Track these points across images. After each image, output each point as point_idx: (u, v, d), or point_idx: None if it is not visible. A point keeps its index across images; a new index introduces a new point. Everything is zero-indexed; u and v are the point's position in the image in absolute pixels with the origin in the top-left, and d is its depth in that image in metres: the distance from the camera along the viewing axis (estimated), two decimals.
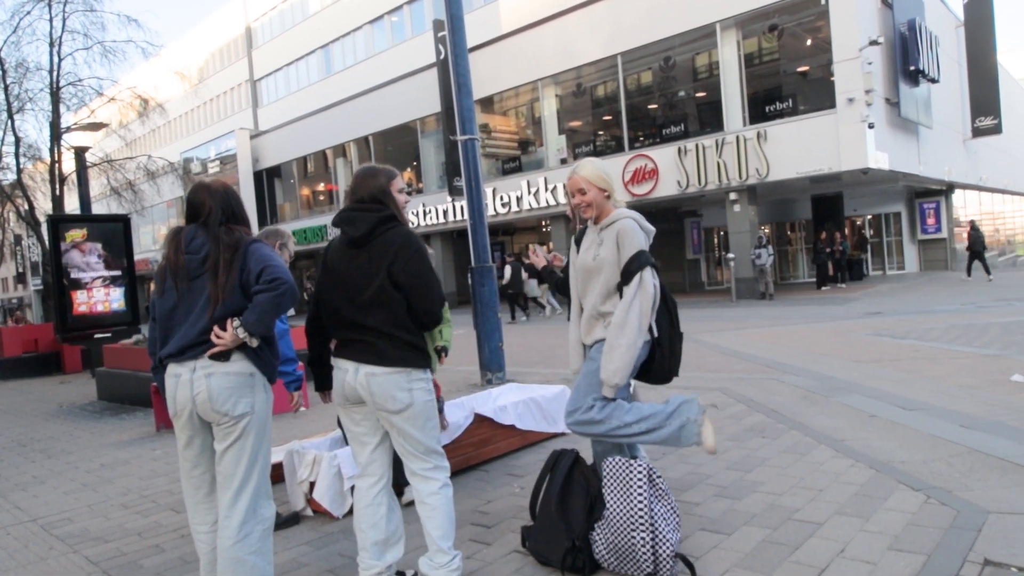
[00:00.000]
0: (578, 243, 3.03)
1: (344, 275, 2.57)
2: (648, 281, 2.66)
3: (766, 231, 21.17)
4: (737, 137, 17.36)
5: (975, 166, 25.03)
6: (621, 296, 2.71)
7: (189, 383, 2.39)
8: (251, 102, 39.79)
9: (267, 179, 33.28)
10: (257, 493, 2.45)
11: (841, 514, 3.14)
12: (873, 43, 15.71)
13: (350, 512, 3.64)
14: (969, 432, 4.21)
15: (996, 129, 23.51)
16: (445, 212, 24.10)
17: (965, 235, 20.19)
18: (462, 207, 21.16)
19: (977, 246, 18.44)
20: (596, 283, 2.79)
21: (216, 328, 2.37)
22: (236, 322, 2.36)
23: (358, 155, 28.79)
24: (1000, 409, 4.72)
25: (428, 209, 24.70)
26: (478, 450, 4.36)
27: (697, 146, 18.10)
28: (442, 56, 21.54)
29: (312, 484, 3.67)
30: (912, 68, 17.67)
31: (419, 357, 2.57)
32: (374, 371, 2.50)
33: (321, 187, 31.83)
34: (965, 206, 26.38)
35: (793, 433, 4.52)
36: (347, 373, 2.54)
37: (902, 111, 17.58)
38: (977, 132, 23.80)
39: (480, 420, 4.40)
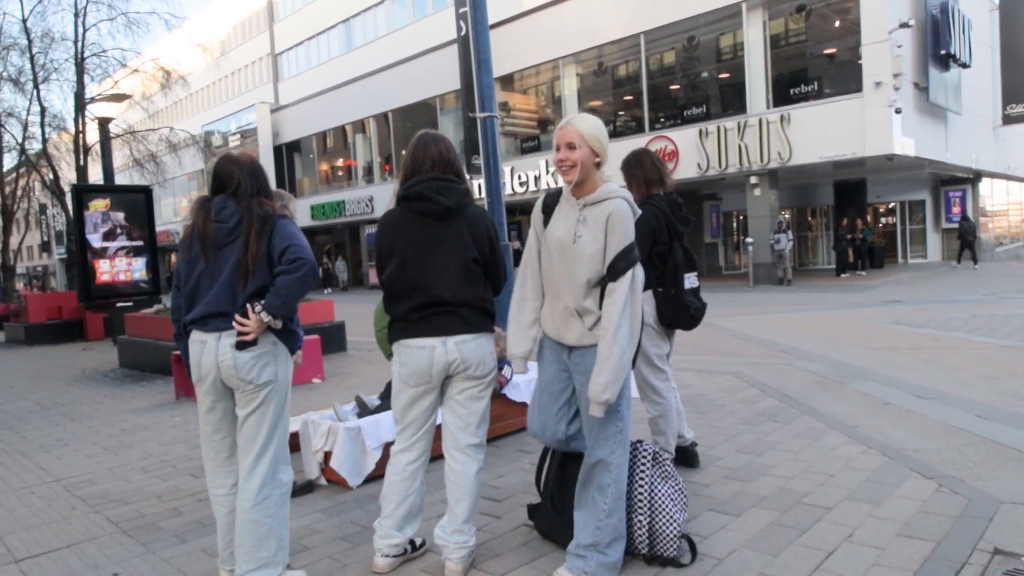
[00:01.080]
0: (547, 212, 2.56)
1: (429, 250, 2.51)
2: (640, 280, 2.36)
3: (786, 216, 20.94)
4: (760, 120, 17.11)
5: (1004, 154, 24.51)
6: (603, 291, 2.36)
7: (215, 349, 2.41)
8: (272, 76, 39.79)
9: (287, 153, 33.39)
10: (276, 458, 2.50)
11: (851, 499, 3.14)
12: (904, 25, 15.35)
13: (365, 483, 3.71)
14: (985, 422, 4.18)
15: None
16: (471, 199, 23.96)
17: (957, 225, 20.49)
18: (480, 185, 21.06)
19: (968, 236, 19.19)
20: (576, 270, 2.37)
21: (238, 317, 2.38)
22: (258, 307, 2.37)
23: (377, 131, 28.79)
24: (1018, 400, 4.67)
25: None
26: (490, 426, 4.39)
27: (719, 128, 17.88)
28: (463, 32, 21.32)
29: (327, 454, 3.74)
30: (943, 52, 17.26)
31: (492, 323, 2.65)
32: (464, 339, 2.53)
33: (340, 162, 31.89)
34: (992, 195, 25.86)
35: (805, 418, 4.51)
36: (433, 351, 2.50)
37: (931, 96, 17.21)
38: (1008, 119, 23.26)
39: (493, 396, 4.43)
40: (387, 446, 3.76)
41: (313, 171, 32.86)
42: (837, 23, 17.58)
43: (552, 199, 2.54)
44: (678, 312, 3.34)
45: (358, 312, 13.02)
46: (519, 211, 27.38)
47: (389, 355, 4.56)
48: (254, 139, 32.85)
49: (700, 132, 18.19)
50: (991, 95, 23.03)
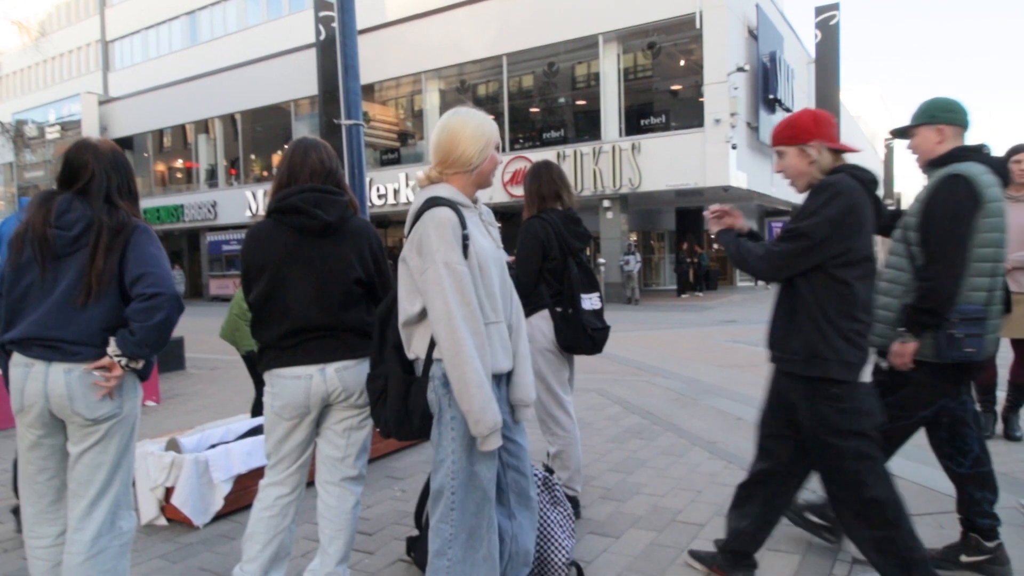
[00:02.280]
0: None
1: (305, 270, 2.23)
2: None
3: (634, 239, 22.14)
4: (613, 147, 17.99)
5: None
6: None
7: (43, 376, 2.00)
8: (101, 65, 36.17)
9: None
10: (117, 503, 2.12)
11: (720, 515, 3.22)
12: (740, 70, 16.84)
13: (213, 521, 3.30)
14: None
15: None
16: (356, 212, 23.04)
17: None
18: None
19: None
20: (509, 282, 2.27)
21: (96, 371, 2.00)
22: (115, 349, 2.00)
23: (223, 133, 26.98)
24: None
25: None
26: None
27: (575, 152, 18.58)
28: (322, 37, 20.66)
29: (169, 490, 3.29)
30: (771, 96, 19.14)
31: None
32: (346, 365, 2.28)
33: (179, 164, 29.50)
34: None
35: (669, 435, 4.66)
36: (310, 380, 2.23)
37: (760, 135, 19.00)
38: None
39: None
40: (239, 479, 3.38)
41: (147, 171, 30.11)
42: (683, 62, 18.96)
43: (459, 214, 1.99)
44: (576, 335, 3.09)
45: (198, 326, 11.97)
46: (376, 224, 26.80)
47: (245, 349, 4.08)
48: (77, 132, 29.55)
49: (558, 155, 18.78)
50: None
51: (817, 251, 2.17)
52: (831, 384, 2.21)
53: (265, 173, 26.67)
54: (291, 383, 2.24)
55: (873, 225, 2.27)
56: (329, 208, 2.23)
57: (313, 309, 2.23)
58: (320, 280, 2.23)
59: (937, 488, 3.52)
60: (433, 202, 1.95)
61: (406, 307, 1.98)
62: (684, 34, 17.90)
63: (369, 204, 21.33)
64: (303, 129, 24.53)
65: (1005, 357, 4.33)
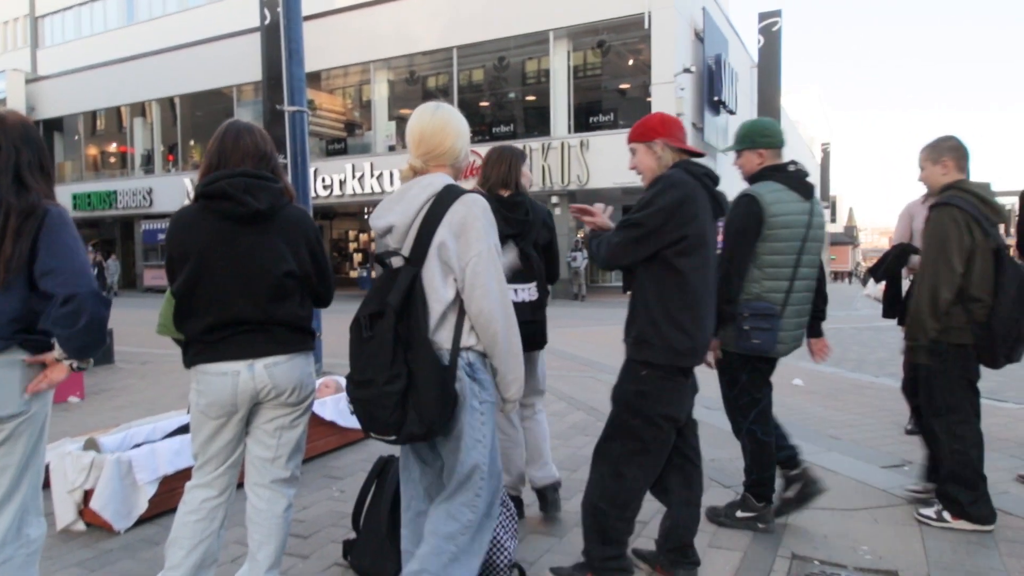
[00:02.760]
0: None
1: (231, 259, 2.09)
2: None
3: (581, 236, 22.30)
4: (562, 143, 18.05)
5: None
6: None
7: None
8: (29, 41, 34.27)
9: (45, 132, 28.84)
10: (24, 509, 1.96)
11: (662, 513, 3.23)
12: (686, 71, 17.11)
13: (135, 525, 3.12)
14: None
15: None
16: (291, 199, 22.42)
17: None
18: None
19: None
20: None
21: (37, 375, 1.91)
22: (60, 352, 1.92)
23: (161, 117, 25.95)
24: (787, 411, 5.23)
25: None
26: None
27: (525, 147, 18.54)
28: (267, 21, 20.03)
29: (88, 493, 3.09)
30: (716, 99, 19.52)
31: (311, 339, 2.28)
32: (276, 360, 2.14)
33: (113, 147, 28.25)
34: None
35: None
36: (237, 376, 2.09)
37: (705, 136, 19.36)
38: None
39: None
40: (165, 480, 3.20)
41: (78, 155, 28.73)
42: (631, 62, 19.16)
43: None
44: None
45: (131, 318, 11.48)
46: (320, 215, 26.25)
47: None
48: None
49: None
50: None
51: (652, 239, 2.29)
52: (644, 366, 2.35)
53: None
54: (217, 380, 2.10)
55: (710, 216, 2.39)
56: (260, 194, 2.09)
57: (240, 301, 2.09)
58: (247, 271, 2.09)
59: (872, 483, 3.61)
60: (458, 190, 1.99)
61: (441, 294, 1.94)
62: (633, 34, 18.08)
63: (314, 195, 20.89)
64: (246, 115, 23.78)
65: None
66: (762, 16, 25.48)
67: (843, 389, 6.18)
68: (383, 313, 1.90)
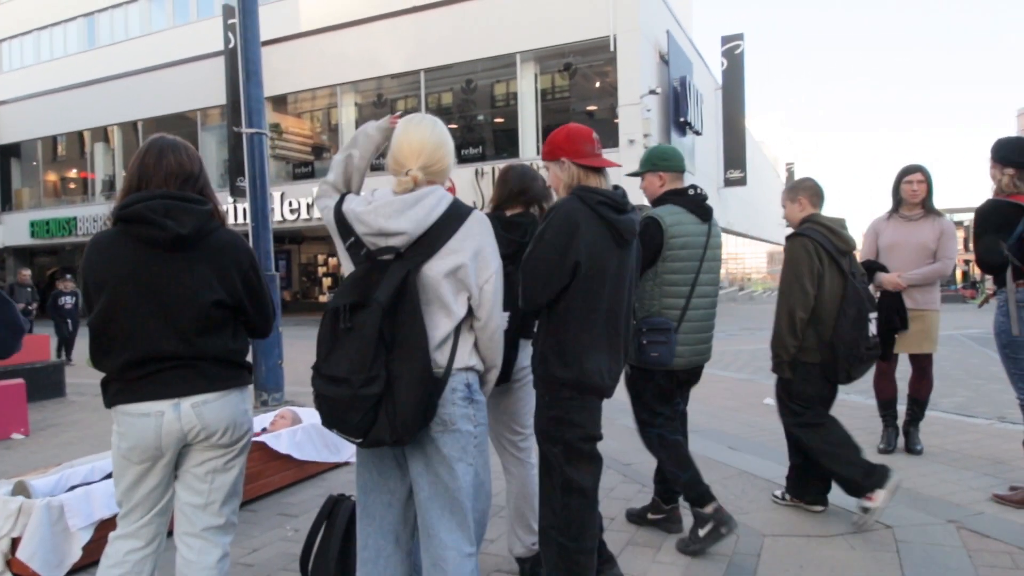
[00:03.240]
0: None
1: (152, 289, 1.91)
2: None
3: None
4: (531, 164, 18.01)
5: (725, 212, 28.68)
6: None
7: None
8: None
9: (1, 158, 28.14)
10: None
11: (634, 544, 3.10)
12: (652, 92, 17.27)
13: (69, 574, 2.89)
14: (738, 454, 4.51)
15: (742, 181, 27.15)
16: (225, 213, 22.02)
17: None
18: (245, 209, 19.58)
19: None
20: None
21: None
22: None
23: (123, 142, 25.46)
24: (758, 431, 5.16)
25: None
26: (246, 486, 3.74)
27: (493, 169, 18.51)
28: (231, 44, 19.82)
29: (15, 541, 2.85)
30: (682, 120, 19.74)
31: (246, 374, 2.11)
32: (206, 399, 1.96)
33: (73, 173, 27.61)
34: None
35: None
36: (161, 417, 1.91)
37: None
38: (728, 182, 27.29)
39: (251, 449, 3.80)
40: (102, 525, 2.98)
41: (36, 181, 28.01)
42: (598, 84, 19.31)
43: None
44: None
45: (86, 348, 11.05)
46: (288, 239, 25.89)
47: None
48: None
49: (476, 172, 18.68)
50: (716, 160, 26.91)
51: (555, 274, 2.23)
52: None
53: None
54: (138, 421, 1.92)
55: (607, 245, 2.27)
56: (182, 217, 1.91)
57: (162, 335, 1.92)
58: (170, 301, 1.92)
59: (848, 507, 3.51)
60: (467, 206, 1.96)
61: (454, 309, 1.90)
62: (599, 56, 18.25)
63: (280, 219, 20.64)
64: (211, 140, 23.49)
65: (904, 371, 4.45)
66: (725, 39, 25.98)
67: None
68: (365, 305, 1.77)
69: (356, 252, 1.92)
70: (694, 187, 3.08)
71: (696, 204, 3.03)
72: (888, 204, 4.41)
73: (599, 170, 2.34)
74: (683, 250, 2.95)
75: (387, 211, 1.88)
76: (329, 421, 1.83)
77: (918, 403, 4.40)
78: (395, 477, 2.00)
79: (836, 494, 3.68)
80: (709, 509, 2.92)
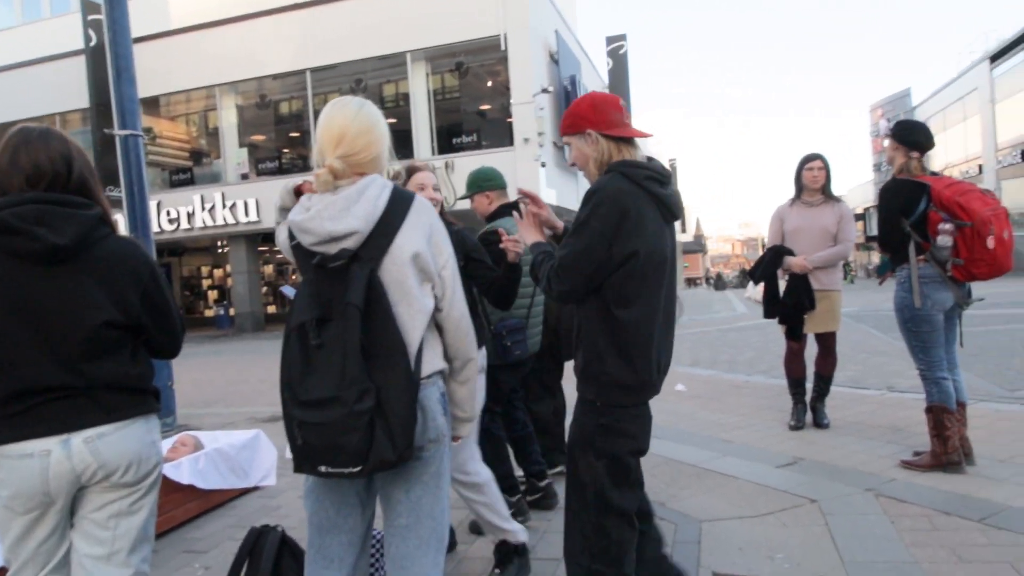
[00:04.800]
0: None
1: (26, 310, 1.61)
2: None
3: None
4: (428, 165, 17.79)
5: None
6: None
7: None
8: None
9: None
10: None
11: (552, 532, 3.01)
12: (544, 91, 17.48)
13: None
14: (660, 442, 4.53)
15: None
16: (113, 228, 20.34)
17: None
18: (117, 221, 18.08)
19: None
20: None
21: None
22: None
23: None
24: (675, 417, 5.25)
25: None
26: None
27: (387, 171, 18.10)
28: (92, 43, 18.29)
29: None
30: None
31: (152, 400, 1.83)
32: (101, 432, 1.67)
33: None
34: None
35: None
36: (47, 457, 1.61)
37: (567, 154, 19.81)
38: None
39: None
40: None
41: None
42: (490, 83, 19.33)
43: None
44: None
45: None
46: (167, 252, 24.25)
47: None
48: None
49: None
50: None
51: (602, 258, 1.95)
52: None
53: None
54: (20, 464, 1.61)
55: (661, 227, 1.99)
56: (61, 225, 1.63)
57: (42, 362, 1.62)
58: (50, 323, 1.63)
59: (772, 485, 3.60)
60: (408, 192, 1.76)
61: (423, 303, 1.70)
62: (490, 55, 18.26)
63: (158, 229, 19.25)
64: None
65: (812, 350, 4.64)
66: (609, 40, 26.80)
67: (723, 391, 6.33)
68: (333, 316, 1.56)
69: (307, 265, 1.69)
70: (521, 200, 3.15)
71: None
72: (790, 191, 4.59)
73: (631, 141, 2.01)
74: (524, 256, 3.00)
75: (330, 212, 1.65)
76: (316, 456, 1.57)
77: (824, 379, 4.61)
78: (356, 513, 1.78)
79: (763, 473, 3.77)
80: (515, 498, 3.23)
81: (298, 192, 1.85)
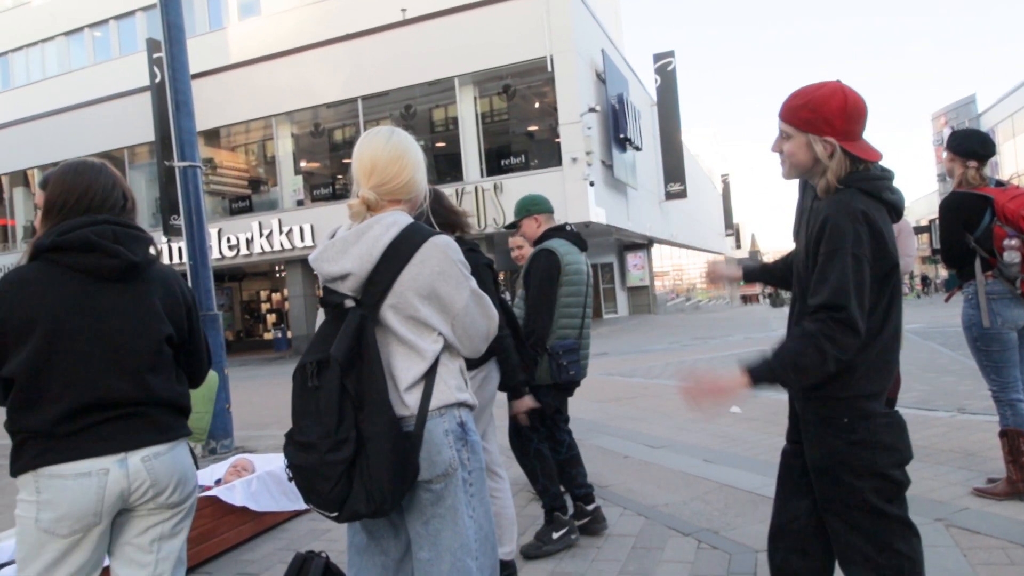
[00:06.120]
0: None
1: (97, 324, 1.71)
2: None
3: (502, 278, 22.25)
4: (476, 187, 17.98)
5: (668, 224, 29.24)
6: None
7: None
8: None
9: None
10: None
11: (625, 573, 2.93)
12: (592, 110, 17.49)
13: None
14: (714, 467, 4.40)
15: (683, 194, 27.75)
16: (159, 254, 21.21)
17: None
18: (180, 248, 18.85)
19: None
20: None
21: None
22: None
23: None
24: (729, 441, 5.08)
25: None
26: (198, 546, 3.43)
27: (426, 194, 18.34)
28: (157, 79, 19.22)
29: None
30: (622, 136, 20.05)
31: (187, 422, 1.89)
32: (158, 451, 1.74)
33: None
34: (661, 258, 30.59)
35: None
36: (105, 476, 1.66)
37: (615, 173, 19.78)
38: (669, 195, 27.85)
39: (201, 504, 3.49)
40: None
41: None
42: (537, 104, 19.46)
43: None
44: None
45: None
46: (228, 277, 25.07)
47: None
48: None
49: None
50: (656, 175, 27.44)
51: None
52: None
53: None
54: (74, 484, 1.64)
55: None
56: (132, 245, 1.75)
57: (110, 377, 1.69)
58: (119, 337, 1.71)
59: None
60: (426, 229, 1.69)
61: (423, 348, 1.65)
62: (537, 77, 18.40)
63: (219, 256, 19.94)
64: (139, 178, 22.66)
65: None
66: (656, 57, 26.66)
67: (780, 412, 6.09)
68: (329, 361, 1.57)
69: (327, 304, 1.71)
70: (568, 224, 3.53)
71: (575, 237, 3.49)
72: None
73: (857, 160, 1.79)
74: (575, 275, 3.36)
75: (330, 253, 1.66)
76: (305, 495, 1.61)
77: (890, 401, 4.39)
78: (389, 536, 1.77)
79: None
80: (567, 516, 3.27)
81: None
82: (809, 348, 1.67)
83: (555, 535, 3.23)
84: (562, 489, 3.39)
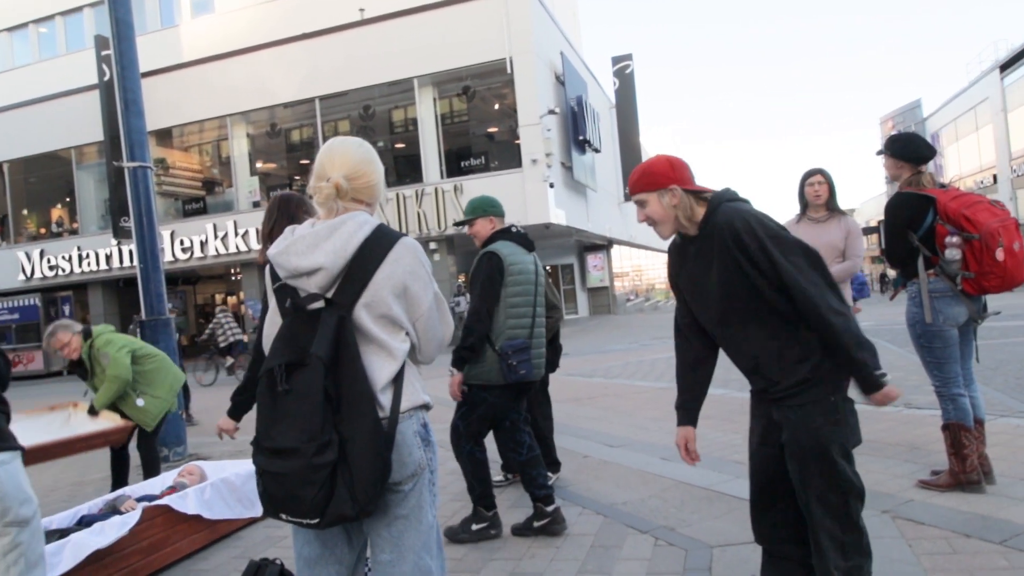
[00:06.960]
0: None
1: None
2: None
3: (462, 280, 22.19)
4: (436, 189, 17.91)
5: (627, 225, 29.55)
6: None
7: None
8: None
9: None
10: None
11: (583, 573, 2.95)
12: (551, 112, 17.60)
13: None
14: (671, 464, 4.47)
15: None
16: (108, 257, 20.62)
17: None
18: (131, 251, 18.34)
19: None
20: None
21: None
22: None
23: None
24: None
25: (86, 253, 20.88)
26: (149, 556, 3.34)
27: (397, 195, 18.24)
28: (106, 77, 18.67)
29: None
30: (581, 138, 20.21)
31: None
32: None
33: None
34: (621, 259, 30.91)
35: (516, 484, 4.35)
36: None
37: (575, 174, 19.93)
38: (628, 197, 27.99)
39: (153, 513, 3.41)
40: None
41: None
42: (497, 106, 19.49)
43: None
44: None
45: None
46: (182, 280, 24.46)
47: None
48: None
49: None
50: (615, 176, 27.72)
51: None
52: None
53: (43, 230, 23.37)
54: None
55: None
56: None
57: None
58: None
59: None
60: (393, 231, 1.73)
61: (393, 347, 1.66)
62: (496, 79, 18.43)
63: (172, 258, 19.45)
64: (88, 179, 21.99)
65: None
66: (615, 60, 26.97)
67: (735, 410, 6.22)
68: (303, 363, 1.53)
69: (282, 303, 1.68)
70: (514, 225, 3.61)
71: (521, 238, 3.57)
72: (795, 208, 4.54)
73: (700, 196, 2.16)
74: (520, 275, 3.42)
75: (300, 247, 1.64)
76: (277, 504, 1.56)
77: None
78: (342, 543, 1.74)
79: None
80: (491, 513, 3.44)
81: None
82: (853, 324, 1.97)
83: (474, 527, 3.42)
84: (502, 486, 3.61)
